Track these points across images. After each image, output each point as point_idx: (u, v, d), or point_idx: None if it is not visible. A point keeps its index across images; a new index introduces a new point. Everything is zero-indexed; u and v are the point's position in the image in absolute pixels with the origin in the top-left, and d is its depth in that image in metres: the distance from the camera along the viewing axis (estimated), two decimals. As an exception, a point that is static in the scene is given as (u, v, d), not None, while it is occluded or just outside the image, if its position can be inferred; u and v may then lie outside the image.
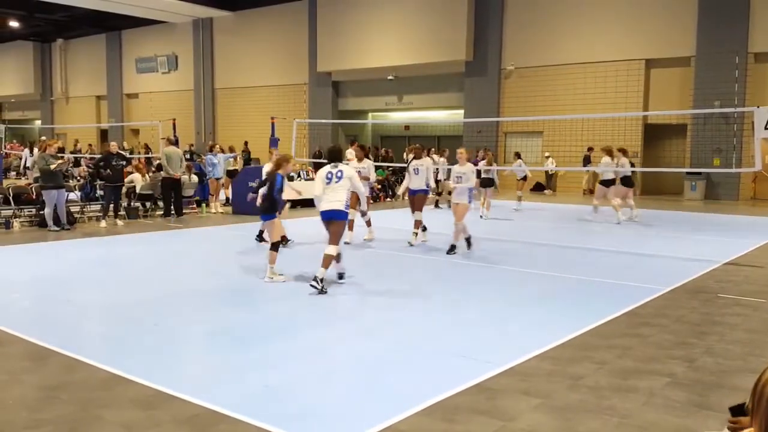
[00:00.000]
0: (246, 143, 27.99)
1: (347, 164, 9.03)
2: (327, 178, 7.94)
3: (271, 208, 8.50)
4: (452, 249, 10.27)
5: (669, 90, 21.87)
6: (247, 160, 24.92)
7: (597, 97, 22.57)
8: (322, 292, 7.40)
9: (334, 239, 7.77)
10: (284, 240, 9.01)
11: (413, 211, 11.20)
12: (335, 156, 8.34)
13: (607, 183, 14.78)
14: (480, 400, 4.33)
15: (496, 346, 5.59)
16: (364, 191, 8.89)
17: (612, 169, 14.52)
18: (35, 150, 20.32)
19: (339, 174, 7.94)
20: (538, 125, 23.64)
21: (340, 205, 7.80)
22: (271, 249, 8.34)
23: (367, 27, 27.51)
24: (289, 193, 9.64)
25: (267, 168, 10.27)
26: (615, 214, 14.54)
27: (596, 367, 5.03)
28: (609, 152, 14.52)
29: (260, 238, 11.14)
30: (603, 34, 22.75)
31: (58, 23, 36.53)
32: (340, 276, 8.16)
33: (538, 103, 23.95)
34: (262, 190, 8.70)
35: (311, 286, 7.43)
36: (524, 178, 17.85)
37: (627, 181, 14.82)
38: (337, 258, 7.95)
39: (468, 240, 10.32)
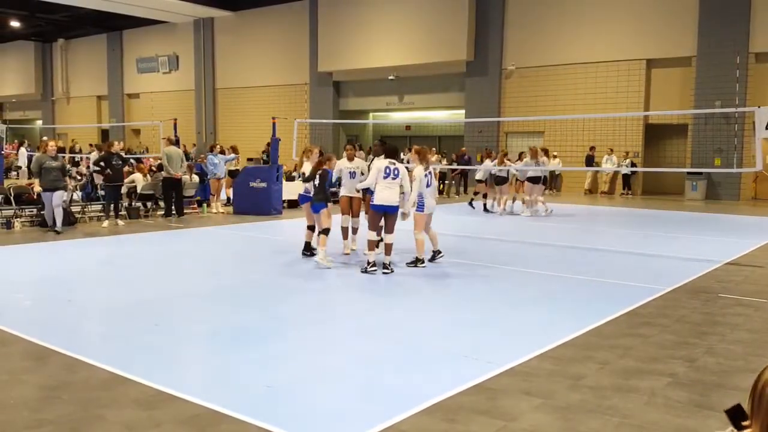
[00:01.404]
0: (268, 144, 27.73)
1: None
2: (386, 172, 8.64)
3: (324, 199, 9.20)
4: (432, 257, 9.34)
5: (670, 90, 21.86)
6: (266, 161, 24.85)
7: (598, 97, 22.56)
8: (391, 271, 8.59)
9: (391, 228, 8.74)
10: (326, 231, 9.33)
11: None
12: (393, 153, 9.02)
13: (535, 180, 16.06)
14: (481, 400, 4.32)
15: (497, 346, 5.58)
16: (410, 189, 8.91)
17: (532, 167, 15.79)
18: (21, 149, 20.32)
19: (396, 172, 8.69)
20: (539, 125, 23.63)
21: (393, 201, 8.64)
22: (321, 233, 9.01)
23: (367, 27, 27.52)
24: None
25: (307, 166, 10.27)
26: (527, 209, 16.11)
27: (597, 367, 5.02)
28: (534, 153, 15.89)
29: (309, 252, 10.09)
30: (604, 34, 22.75)
31: (59, 23, 36.56)
32: (385, 266, 8.69)
33: (539, 103, 23.95)
34: (309, 185, 9.49)
35: (383, 273, 8.53)
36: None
37: (542, 179, 16.48)
38: (376, 245, 8.80)
39: (431, 257, 9.35)
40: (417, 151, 9.21)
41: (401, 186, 8.76)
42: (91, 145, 30.93)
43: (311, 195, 9.44)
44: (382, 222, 8.89)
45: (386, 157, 8.98)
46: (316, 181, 9.26)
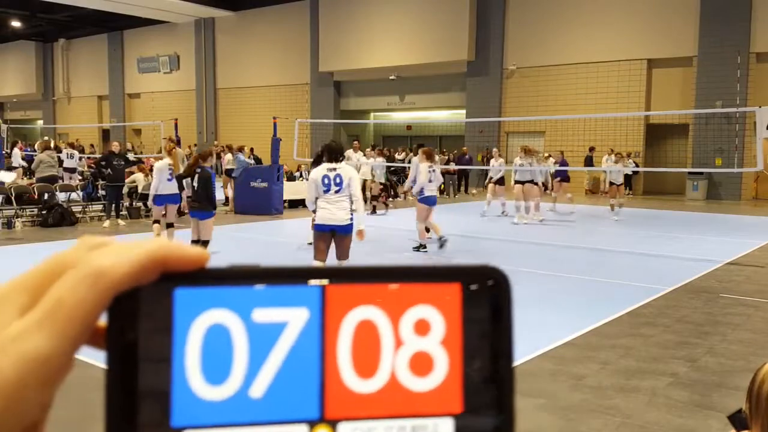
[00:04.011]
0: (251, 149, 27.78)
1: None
2: (324, 185, 6.56)
3: (210, 205, 8.23)
4: (442, 244, 10.17)
5: (671, 90, 21.86)
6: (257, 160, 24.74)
7: (599, 97, 22.56)
8: None
9: (345, 255, 6.73)
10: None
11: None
12: (335, 155, 6.78)
13: (522, 182, 15.34)
14: (482, 400, 4.31)
15: (498, 346, 5.57)
16: (361, 197, 7.07)
17: (520, 168, 15.02)
18: (15, 149, 20.42)
19: (338, 180, 6.58)
20: (540, 125, 23.63)
21: (344, 217, 6.61)
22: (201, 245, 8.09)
23: (368, 27, 27.53)
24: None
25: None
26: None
27: (599, 366, 5.02)
28: (530, 153, 15.29)
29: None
30: (605, 34, 22.75)
31: (60, 23, 36.60)
32: None
33: (540, 103, 23.95)
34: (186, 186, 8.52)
35: None
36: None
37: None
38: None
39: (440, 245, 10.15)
40: (424, 151, 10.21)
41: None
42: (92, 145, 30.95)
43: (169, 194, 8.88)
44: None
45: (328, 160, 6.77)
46: (195, 183, 8.04)
